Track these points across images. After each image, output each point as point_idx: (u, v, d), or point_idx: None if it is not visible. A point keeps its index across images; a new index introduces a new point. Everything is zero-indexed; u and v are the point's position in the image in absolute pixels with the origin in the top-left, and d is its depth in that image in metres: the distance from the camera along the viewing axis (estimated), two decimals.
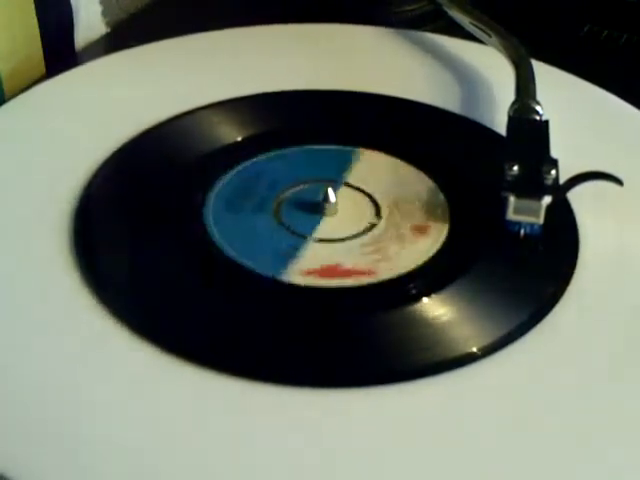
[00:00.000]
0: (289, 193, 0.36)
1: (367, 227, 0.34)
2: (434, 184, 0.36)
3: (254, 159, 0.37)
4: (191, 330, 0.30)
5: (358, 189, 0.36)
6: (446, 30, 0.47)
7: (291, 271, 0.32)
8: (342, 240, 0.34)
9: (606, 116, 0.41)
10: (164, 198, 0.35)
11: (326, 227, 0.34)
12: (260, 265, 0.32)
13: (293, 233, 0.34)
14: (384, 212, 0.35)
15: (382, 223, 0.34)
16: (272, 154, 0.38)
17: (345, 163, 0.37)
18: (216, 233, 0.33)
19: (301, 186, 0.36)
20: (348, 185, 0.36)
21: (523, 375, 0.29)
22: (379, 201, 0.35)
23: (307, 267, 0.32)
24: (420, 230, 0.34)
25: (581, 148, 0.38)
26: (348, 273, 0.32)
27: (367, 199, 0.36)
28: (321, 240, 0.33)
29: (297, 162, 0.37)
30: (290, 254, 0.33)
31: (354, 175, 0.37)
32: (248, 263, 0.32)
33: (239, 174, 0.37)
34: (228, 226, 0.34)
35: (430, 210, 0.35)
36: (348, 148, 0.38)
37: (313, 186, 0.36)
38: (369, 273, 0.32)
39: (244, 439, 0.27)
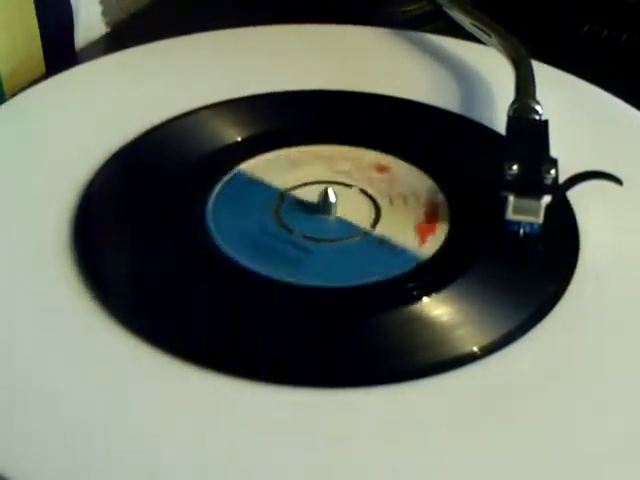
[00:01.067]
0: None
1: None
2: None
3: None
4: (191, 330, 0.30)
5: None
6: (446, 30, 0.47)
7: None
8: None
9: (606, 116, 0.41)
10: (164, 198, 0.35)
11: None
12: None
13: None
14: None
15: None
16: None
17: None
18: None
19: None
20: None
21: (523, 375, 0.29)
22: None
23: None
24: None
25: (581, 148, 0.38)
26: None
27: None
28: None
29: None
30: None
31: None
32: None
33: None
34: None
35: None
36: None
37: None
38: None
39: (244, 439, 0.27)
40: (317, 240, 0.33)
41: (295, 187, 0.36)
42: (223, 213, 0.35)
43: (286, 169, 0.37)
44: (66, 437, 0.26)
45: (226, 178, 0.36)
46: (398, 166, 0.37)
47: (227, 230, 0.34)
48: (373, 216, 0.35)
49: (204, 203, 0.35)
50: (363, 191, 0.36)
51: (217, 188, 0.36)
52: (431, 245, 0.33)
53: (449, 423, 0.27)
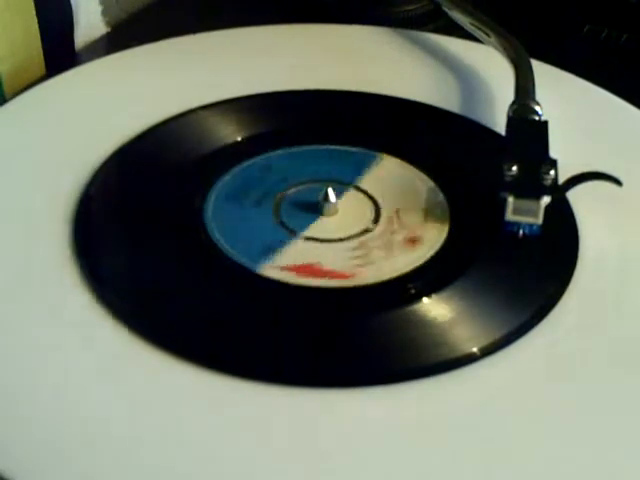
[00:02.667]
0: (291, 192, 0.36)
1: (360, 231, 0.34)
2: (434, 184, 0.36)
3: (254, 159, 0.37)
4: (190, 330, 0.30)
5: (361, 190, 0.36)
6: (446, 30, 0.47)
7: (268, 266, 0.32)
8: (330, 241, 0.33)
9: (606, 116, 0.41)
10: (164, 198, 0.35)
11: (321, 227, 0.34)
12: (260, 265, 0.32)
13: (286, 229, 0.34)
14: (383, 217, 0.35)
15: (377, 228, 0.34)
16: (275, 153, 0.38)
17: (362, 165, 0.37)
18: (216, 233, 0.33)
19: (306, 185, 0.36)
20: (354, 187, 0.36)
21: (523, 375, 0.29)
22: (380, 204, 0.35)
23: (286, 262, 0.32)
24: (412, 241, 0.34)
25: (581, 148, 0.38)
26: (323, 274, 0.32)
27: (369, 201, 0.36)
28: (310, 238, 0.33)
29: (297, 163, 0.38)
30: (276, 249, 0.33)
31: (364, 177, 0.37)
32: (248, 263, 0.32)
33: (240, 174, 0.37)
34: (228, 226, 0.34)
35: (430, 210, 0.35)
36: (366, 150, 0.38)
37: (314, 186, 0.36)
38: (347, 276, 0.32)
39: (244, 439, 0.27)
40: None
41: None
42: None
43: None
44: (66, 437, 0.26)
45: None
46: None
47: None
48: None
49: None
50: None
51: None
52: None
53: (449, 423, 0.27)
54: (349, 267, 0.32)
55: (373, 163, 0.38)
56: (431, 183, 0.36)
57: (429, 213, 0.35)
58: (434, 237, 0.34)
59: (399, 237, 0.34)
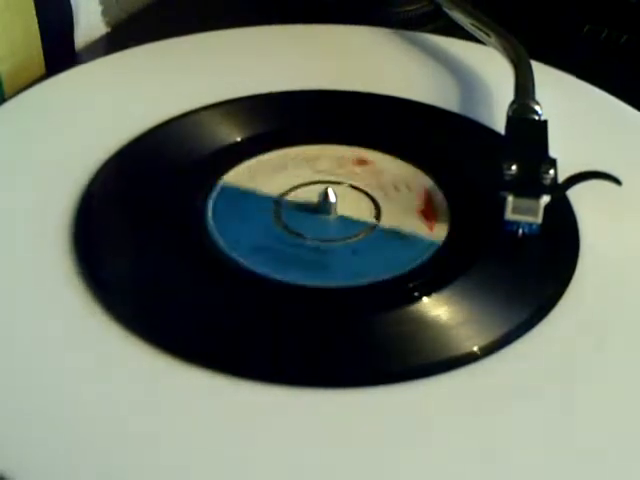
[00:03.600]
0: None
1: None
2: (434, 183, 0.36)
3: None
4: (190, 330, 0.30)
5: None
6: (446, 30, 0.47)
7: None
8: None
9: (605, 116, 0.41)
10: (164, 198, 0.35)
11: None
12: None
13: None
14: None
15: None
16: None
17: None
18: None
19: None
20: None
21: (523, 375, 0.29)
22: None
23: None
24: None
25: (580, 148, 0.38)
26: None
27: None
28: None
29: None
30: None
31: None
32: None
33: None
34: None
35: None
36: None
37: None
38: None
39: (244, 439, 0.27)
40: (328, 241, 0.33)
41: (290, 190, 0.36)
42: (223, 213, 0.35)
43: (274, 173, 0.37)
44: (66, 437, 0.26)
45: (226, 178, 0.36)
46: (398, 165, 0.37)
47: (227, 230, 0.34)
48: (373, 216, 0.35)
49: (204, 203, 0.35)
50: (363, 191, 0.36)
51: (217, 188, 0.36)
52: (440, 229, 0.33)
53: (449, 423, 0.27)
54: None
55: None
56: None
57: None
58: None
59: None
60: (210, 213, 0.34)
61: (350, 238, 0.34)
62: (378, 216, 0.35)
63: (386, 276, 0.32)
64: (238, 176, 0.37)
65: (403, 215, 0.35)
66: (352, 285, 0.31)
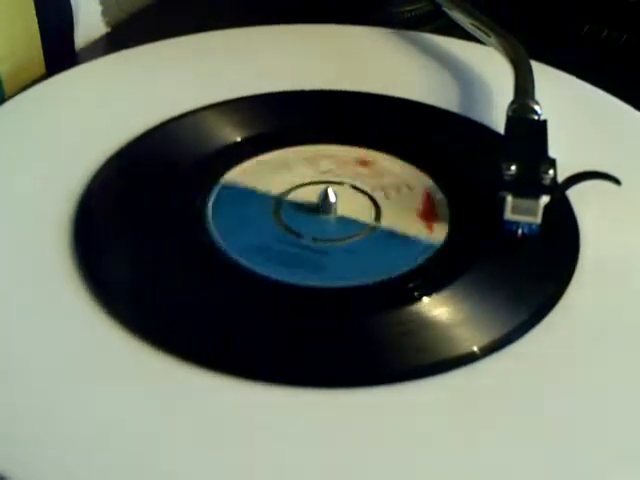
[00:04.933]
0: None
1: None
2: (434, 184, 0.36)
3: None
4: (190, 330, 0.30)
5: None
6: (446, 30, 0.47)
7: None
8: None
9: (605, 116, 0.41)
10: (164, 198, 0.35)
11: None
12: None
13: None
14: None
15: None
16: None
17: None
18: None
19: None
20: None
21: (523, 375, 0.29)
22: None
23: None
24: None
25: (580, 148, 0.38)
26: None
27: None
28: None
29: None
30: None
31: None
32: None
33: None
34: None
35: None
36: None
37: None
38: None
39: (244, 439, 0.27)
40: (328, 241, 0.33)
41: (290, 190, 0.36)
42: (223, 213, 0.35)
43: (274, 173, 0.37)
44: (66, 437, 0.26)
45: (226, 178, 0.36)
46: (398, 165, 0.37)
47: (227, 230, 0.34)
48: (373, 216, 0.35)
49: (204, 203, 0.35)
50: (363, 191, 0.36)
51: (217, 189, 0.36)
52: (440, 231, 0.33)
53: (449, 423, 0.27)
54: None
55: None
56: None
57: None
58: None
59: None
60: (210, 213, 0.34)
61: (349, 238, 0.34)
62: (378, 217, 0.35)
63: (384, 277, 0.32)
64: (238, 175, 0.37)
65: (403, 216, 0.34)
66: (352, 285, 0.31)
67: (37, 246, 0.33)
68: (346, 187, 0.36)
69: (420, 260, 0.32)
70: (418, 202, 0.35)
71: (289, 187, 0.36)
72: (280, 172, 0.37)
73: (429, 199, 0.35)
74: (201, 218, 0.34)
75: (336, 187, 0.35)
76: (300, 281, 0.31)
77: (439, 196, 0.36)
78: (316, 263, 0.32)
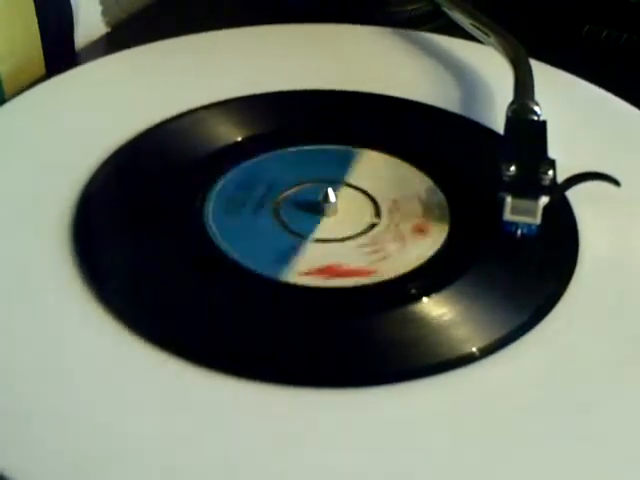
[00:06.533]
0: (289, 193, 0.36)
1: (367, 227, 0.34)
2: (434, 184, 0.36)
3: (254, 159, 0.37)
4: (190, 330, 0.30)
5: (358, 189, 0.36)
6: (446, 30, 0.47)
7: (290, 271, 0.32)
8: (342, 240, 0.34)
9: (606, 116, 0.41)
10: (164, 198, 0.35)
11: (326, 227, 0.34)
12: (260, 265, 0.32)
13: (292, 233, 0.34)
14: (384, 212, 0.35)
15: (382, 223, 0.34)
16: (272, 154, 0.38)
17: (345, 163, 0.37)
18: (216, 233, 0.34)
19: (301, 186, 0.36)
20: (348, 185, 0.36)
21: (523, 375, 0.29)
22: (379, 201, 0.35)
23: (307, 267, 0.32)
24: (420, 230, 0.34)
25: (580, 148, 0.38)
26: (348, 273, 0.32)
27: (367, 199, 0.36)
28: (321, 240, 0.34)
29: (297, 162, 0.38)
30: (290, 254, 0.33)
31: (354, 175, 0.37)
32: (248, 263, 0.32)
33: (239, 174, 0.37)
34: (228, 226, 0.34)
35: (430, 210, 0.35)
36: (348, 148, 0.38)
37: (313, 186, 0.36)
38: (369, 273, 0.32)
39: (244, 439, 0.27)
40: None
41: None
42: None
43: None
44: (66, 437, 0.26)
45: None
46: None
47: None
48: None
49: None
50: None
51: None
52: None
53: (449, 423, 0.27)
54: (368, 263, 0.32)
55: (356, 159, 0.38)
56: (431, 183, 0.36)
57: (429, 213, 0.35)
58: (434, 236, 0.34)
59: (407, 227, 0.34)
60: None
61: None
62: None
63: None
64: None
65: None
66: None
67: (37, 246, 0.33)
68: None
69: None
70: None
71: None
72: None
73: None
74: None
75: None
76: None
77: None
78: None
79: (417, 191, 0.36)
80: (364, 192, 0.36)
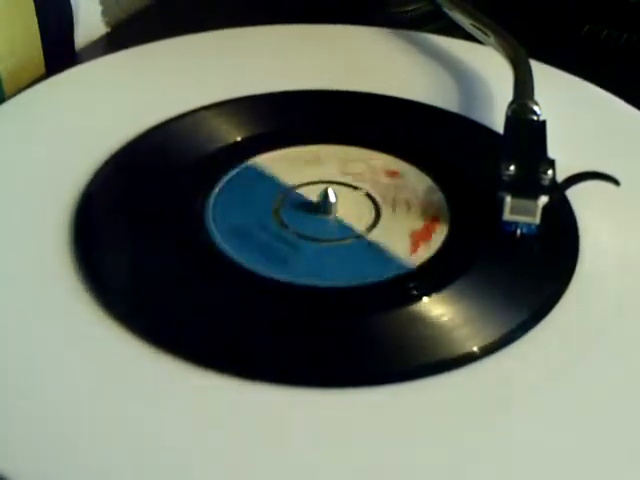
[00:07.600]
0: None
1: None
2: (434, 184, 0.36)
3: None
4: (190, 330, 0.30)
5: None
6: (446, 30, 0.47)
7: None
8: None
9: (606, 116, 0.41)
10: (164, 198, 0.35)
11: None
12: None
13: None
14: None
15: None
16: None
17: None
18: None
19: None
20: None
21: (523, 375, 0.29)
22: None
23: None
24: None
25: (580, 148, 0.38)
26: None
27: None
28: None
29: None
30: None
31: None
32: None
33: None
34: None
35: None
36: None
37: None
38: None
39: (244, 439, 0.27)
40: (308, 239, 0.33)
41: (300, 185, 0.36)
42: (223, 213, 0.35)
43: (296, 166, 0.37)
44: (66, 437, 0.26)
45: (226, 178, 0.36)
46: (398, 165, 0.37)
47: (227, 230, 0.34)
48: (372, 220, 0.35)
49: (204, 203, 0.35)
50: (368, 194, 0.36)
51: (217, 188, 0.36)
52: (421, 255, 0.33)
53: (449, 423, 0.27)
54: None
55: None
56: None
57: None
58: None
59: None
60: (210, 213, 0.34)
61: (330, 241, 0.33)
62: (371, 227, 0.34)
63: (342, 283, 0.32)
64: (261, 162, 0.37)
65: (395, 233, 0.34)
66: (352, 285, 0.31)
67: (37, 246, 0.33)
68: (359, 193, 0.36)
69: (384, 277, 0.32)
70: (418, 223, 0.35)
71: (297, 183, 0.36)
72: (306, 166, 0.37)
73: (433, 218, 0.35)
74: (201, 218, 0.34)
75: (349, 190, 0.36)
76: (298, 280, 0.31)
77: (439, 196, 0.36)
78: (280, 256, 0.32)
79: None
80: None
